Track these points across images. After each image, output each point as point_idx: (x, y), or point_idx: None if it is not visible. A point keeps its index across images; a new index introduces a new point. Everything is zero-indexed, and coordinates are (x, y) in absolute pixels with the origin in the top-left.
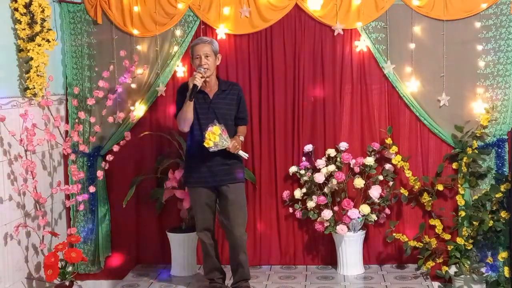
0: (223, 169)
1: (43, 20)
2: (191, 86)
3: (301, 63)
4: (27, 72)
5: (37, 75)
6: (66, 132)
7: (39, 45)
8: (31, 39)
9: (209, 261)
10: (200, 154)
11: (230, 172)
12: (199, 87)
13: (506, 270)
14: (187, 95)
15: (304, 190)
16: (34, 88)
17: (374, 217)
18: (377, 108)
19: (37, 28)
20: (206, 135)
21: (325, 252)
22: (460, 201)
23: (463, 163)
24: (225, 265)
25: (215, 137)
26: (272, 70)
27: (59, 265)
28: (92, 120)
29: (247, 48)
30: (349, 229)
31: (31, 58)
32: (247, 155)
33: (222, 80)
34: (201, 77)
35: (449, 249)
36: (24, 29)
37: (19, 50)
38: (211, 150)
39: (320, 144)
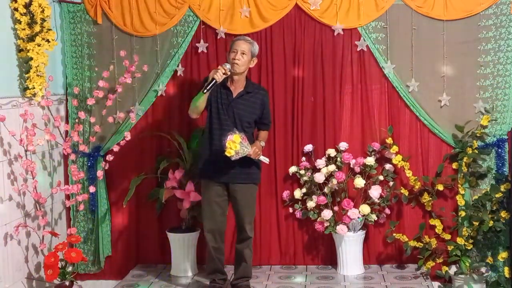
0: (238, 166)
1: (43, 20)
2: (210, 78)
3: (301, 63)
4: (27, 72)
5: (37, 75)
6: (66, 132)
7: (39, 45)
8: (31, 39)
9: (212, 263)
10: (217, 150)
11: (243, 171)
12: (218, 82)
13: (506, 270)
14: (204, 86)
15: (304, 190)
16: (34, 88)
17: (374, 217)
18: (377, 108)
19: (37, 28)
20: (226, 144)
21: (325, 252)
22: (460, 201)
23: (463, 163)
24: (226, 265)
25: (236, 145)
26: (272, 70)
27: (59, 265)
28: (92, 120)
29: None
30: (349, 229)
31: (31, 58)
32: (268, 160)
33: (251, 82)
34: (224, 73)
35: (449, 249)
36: (24, 29)
37: (19, 50)
38: (233, 159)
39: (320, 144)
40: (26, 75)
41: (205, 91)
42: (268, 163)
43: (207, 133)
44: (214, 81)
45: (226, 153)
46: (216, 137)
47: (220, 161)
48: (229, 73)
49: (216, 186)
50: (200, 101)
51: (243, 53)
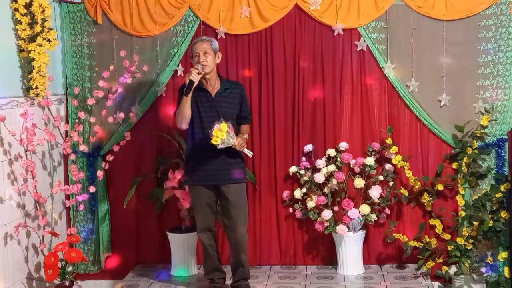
0: (224, 168)
1: (44, 20)
2: (187, 81)
3: (301, 63)
4: (30, 72)
5: (40, 75)
6: (66, 132)
7: (40, 45)
8: (32, 39)
9: (209, 261)
10: (202, 153)
11: (230, 172)
12: (196, 83)
13: (506, 270)
14: (184, 91)
15: (304, 190)
16: (37, 88)
17: (374, 217)
18: (377, 108)
19: (38, 28)
20: (213, 132)
21: (325, 252)
22: (460, 201)
23: (463, 163)
24: (225, 265)
25: (223, 134)
26: (272, 70)
27: (59, 265)
28: (92, 120)
29: (247, 48)
30: (349, 229)
31: (33, 59)
32: (251, 153)
33: (224, 79)
34: (198, 73)
35: (449, 249)
36: (25, 30)
37: (20, 50)
38: (218, 147)
39: (320, 144)
40: (29, 76)
41: (186, 93)
42: (251, 156)
43: (190, 137)
44: (192, 82)
45: (212, 141)
46: (201, 136)
47: (207, 164)
48: (202, 72)
49: (205, 189)
50: (185, 107)
51: (206, 53)
